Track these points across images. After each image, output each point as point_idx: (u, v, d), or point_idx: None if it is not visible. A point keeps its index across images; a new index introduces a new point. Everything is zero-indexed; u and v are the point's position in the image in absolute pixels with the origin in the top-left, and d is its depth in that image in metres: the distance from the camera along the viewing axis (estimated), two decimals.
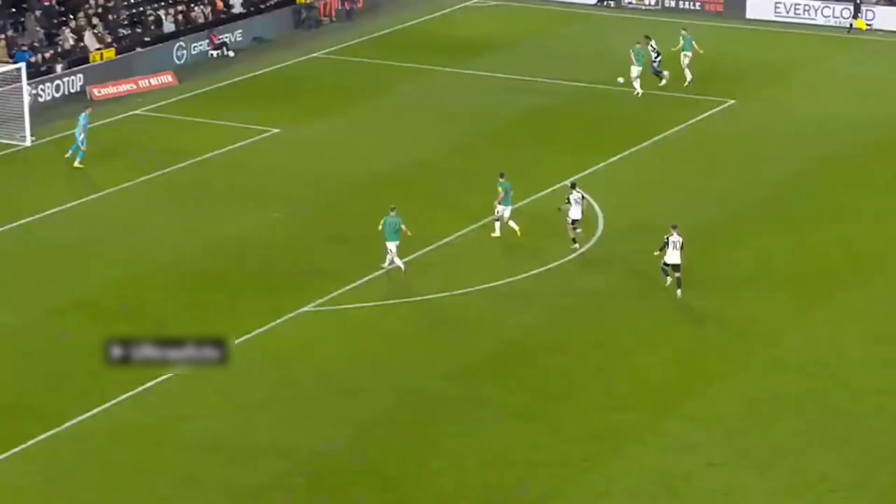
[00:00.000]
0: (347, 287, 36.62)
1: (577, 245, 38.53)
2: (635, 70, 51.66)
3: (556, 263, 38.22)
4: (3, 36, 51.99)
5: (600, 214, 41.37)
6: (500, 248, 39.40)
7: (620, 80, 51.30)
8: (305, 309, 35.49)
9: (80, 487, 27.95)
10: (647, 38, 53.10)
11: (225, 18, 59.04)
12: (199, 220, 41.05)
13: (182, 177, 44.40)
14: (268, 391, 31.70)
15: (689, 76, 52.96)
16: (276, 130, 48.39)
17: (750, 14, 63.24)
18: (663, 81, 52.78)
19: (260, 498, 27.80)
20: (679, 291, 36.00)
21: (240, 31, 58.73)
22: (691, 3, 64.30)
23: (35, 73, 50.45)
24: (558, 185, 43.47)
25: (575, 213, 38.43)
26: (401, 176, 44.26)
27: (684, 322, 35.24)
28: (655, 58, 52.62)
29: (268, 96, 52.40)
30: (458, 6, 64.52)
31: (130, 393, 31.27)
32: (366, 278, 37.19)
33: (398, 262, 36.98)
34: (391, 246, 36.93)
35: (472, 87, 53.45)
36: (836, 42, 60.21)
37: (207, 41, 57.11)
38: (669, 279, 36.33)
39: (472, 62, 54.96)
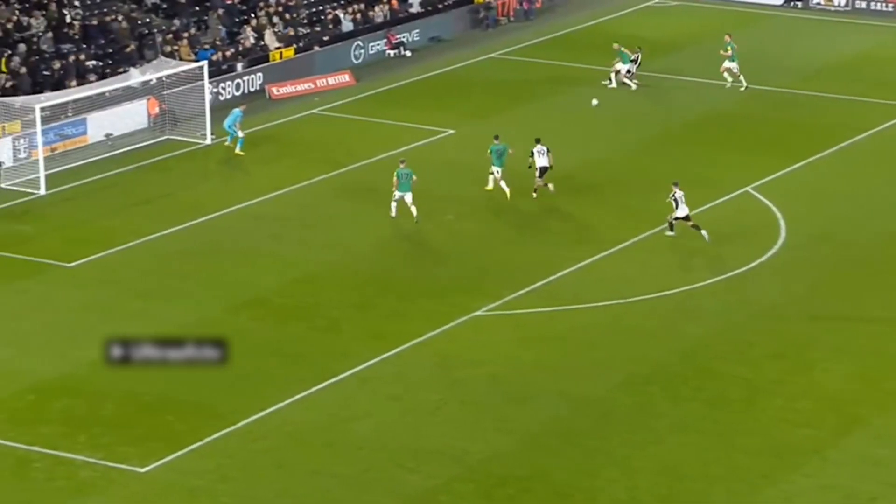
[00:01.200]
0: (520, 292, 36.27)
1: (551, 189, 40.84)
2: (622, 66, 51.77)
3: (734, 272, 37.36)
4: (186, 34, 52.85)
5: (782, 223, 40.37)
6: (676, 255, 38.68)
7: (595, 101, 47.83)
8: (477, 313, 35.24)
9: (253, 486, 28.10)
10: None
11: (402, 18, 59.20)
12: (373, 221, 41.11)
13: (357, 177, 44.53)
14: (438, 395, 31.53)
15: (743, 83, 51.47)
16: (451, 131, 48.24)
17: None
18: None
19: (429, 502, 27.63)
20: (704, 233, 38.11)
21: (417, 30, 58.82)
22: (883, 4, 62.34)
23: (216, 71, 51.15)
24: (739, 191, 42.58)
25: (542, 161, 41.61)
26: (575, 177, 43.77)
27: (866, 335, 34.10)
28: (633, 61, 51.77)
29: (443, 96, 52.32)
30: (638, 6, 63.68)
31: (303, 393, 31.39)
32: (538, 283, 36.79)
33: (413, 210, 39.84)
34: (405, 196, 39.74)
35: (651, 88, 52.65)
36: None
37: (385, 40, 57.32)
38: (674, 233, 38.51)
39: (650, 64, 54.10)
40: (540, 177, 41.63)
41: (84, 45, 50.35)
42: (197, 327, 34.24)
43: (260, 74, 52.89)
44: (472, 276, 37.46)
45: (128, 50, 50.73)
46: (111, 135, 47.40)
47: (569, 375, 32.35)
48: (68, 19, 51.19)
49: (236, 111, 46.46)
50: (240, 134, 45.92)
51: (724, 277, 36.89)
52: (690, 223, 38.38)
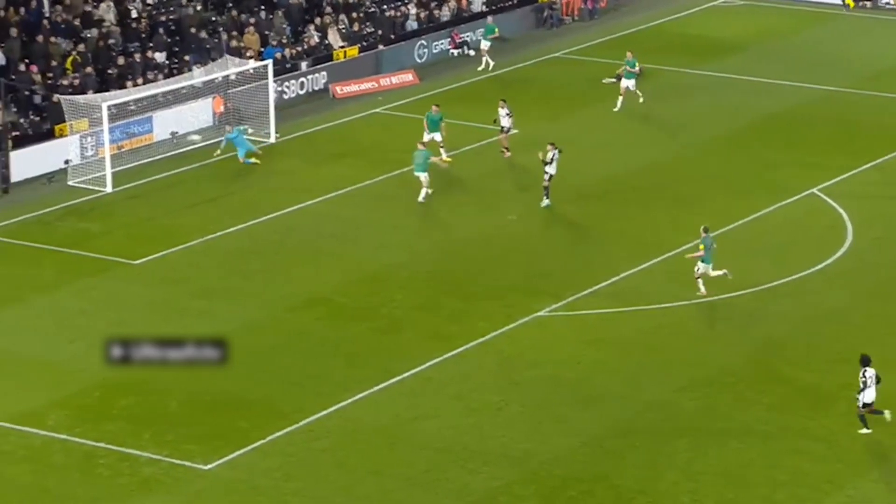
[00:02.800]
0: (583, 293, 36.13)
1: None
2: (485, 44, 54.45)
3: (800, 275, 36.99)
4: (252, 25, 52.69)
5: (849, 225, 39.93)
6: (741, 257, 38.31)
7: (512, 216, 40.88)
8: (540, 314, 35.13)
9: (315, 485, 28.17)
10: None
11: (466, 17, 59.10)
12: (435, 221, 41.09)
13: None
14: (500, 396, 31.46)
15: (620, 101, 49.76)
16: (515, 131, 48.09)
17: None
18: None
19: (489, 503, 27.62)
20: (544, 203, 40.77)
21: (481, 30, 58.65)
22: None
23: (280, 70, 51.28)
24: (806, 193, 42.17)
25: (505, 121, 44.82)
26: (638, 178, 43.57)
27: None
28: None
29: (507, 96, 52.06)
30: (704, 6, 63.22)
31: (366, 392, 31.43)
32: (601, 284, 36.62)
33: (427, 191, 41.29)
34: (421, 176, 41.18)
35: (716, 88, 52.26)
36: None
37: (448, 40, 57.26)
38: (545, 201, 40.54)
39: (716, 63, 53.78)
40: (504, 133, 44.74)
41: (150, 43, 50.66)
42: (259, 326, 34.39)
43: (324, 73, 52.99)
44: (534, 276, 37.35)
45: (193, 47, 50.97)
46: (177, 133, 47.70)
47: (632, 377, 32.18)
48: (134, 14, 51.51)
49: (238, 128, 45.92)
50: (248, 148, 45.20)
51: (789, 280, 36.55)
52: (547, 183, 40.36)
